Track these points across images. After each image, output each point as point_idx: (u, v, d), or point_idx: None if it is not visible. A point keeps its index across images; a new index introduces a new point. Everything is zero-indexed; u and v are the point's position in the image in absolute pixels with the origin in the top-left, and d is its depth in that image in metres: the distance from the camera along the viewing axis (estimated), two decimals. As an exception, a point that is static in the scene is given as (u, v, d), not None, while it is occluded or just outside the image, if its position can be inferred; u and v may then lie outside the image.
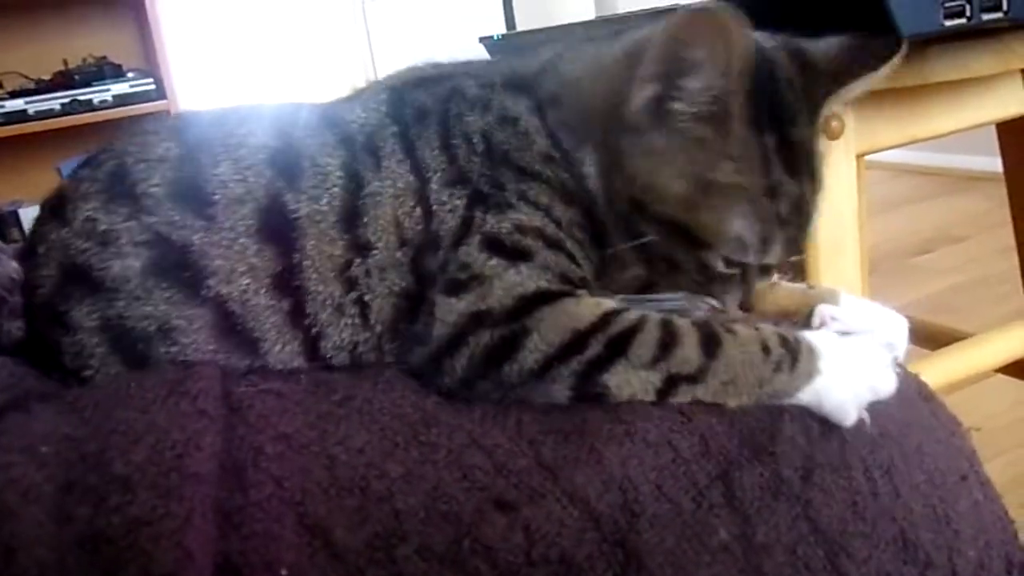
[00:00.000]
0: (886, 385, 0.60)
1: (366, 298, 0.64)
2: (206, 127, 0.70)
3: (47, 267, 0.64)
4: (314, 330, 0.64)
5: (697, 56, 0.59)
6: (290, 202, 0.65)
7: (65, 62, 3.21)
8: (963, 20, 0.72)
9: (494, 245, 0.62)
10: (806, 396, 0.59)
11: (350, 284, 0.64)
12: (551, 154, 0.67)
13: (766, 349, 0.59)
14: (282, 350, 0.63)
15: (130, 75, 3.20)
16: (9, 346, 0.76)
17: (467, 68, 0.75)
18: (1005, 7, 0.74)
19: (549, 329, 0.58)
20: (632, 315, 0.59)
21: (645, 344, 0.58)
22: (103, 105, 3.08)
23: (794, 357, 0.59)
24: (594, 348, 0.57)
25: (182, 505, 0.49)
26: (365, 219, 0.65)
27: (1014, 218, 1.11)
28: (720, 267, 0.64)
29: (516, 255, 0.62)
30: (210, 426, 0.53)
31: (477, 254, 0.61)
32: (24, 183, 3.01)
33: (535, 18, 4.66)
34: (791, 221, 0.63)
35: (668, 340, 0.58)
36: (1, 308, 0.78)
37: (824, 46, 0.67)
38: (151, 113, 3.04)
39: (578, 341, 0.58)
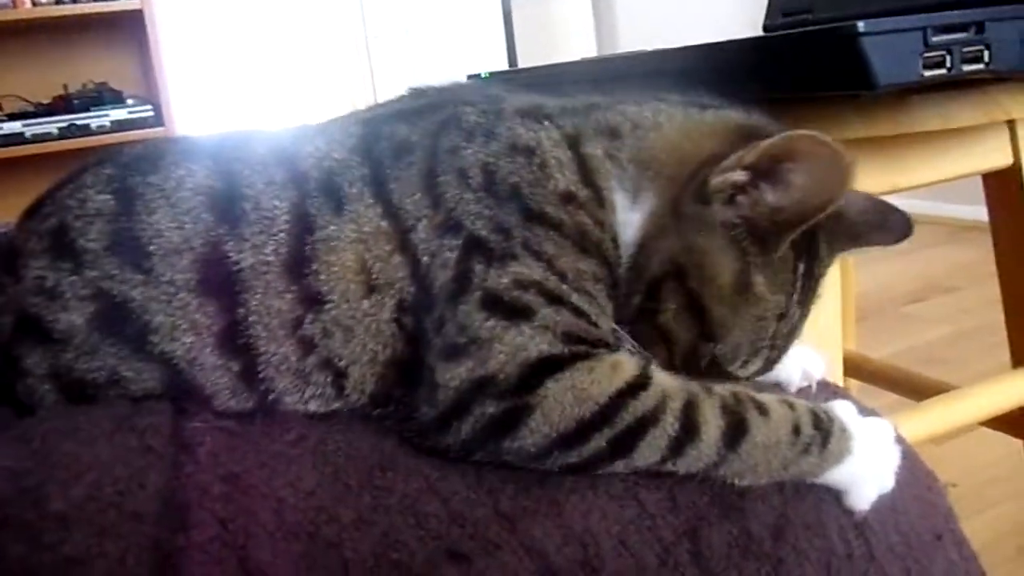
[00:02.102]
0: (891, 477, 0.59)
1: (338, 364, 0.58)
2: (144, 171, 0.63)
3: (4, 315, 0.62)
4: (271, 396, 0.59)
5: (794, 178, 0.57)
6: (231, 251, 0.59)
7: (65, 87, 3.23)
8: (943, 71, 0.71)
9: (493, 303, 0.56)
10: (834, 477, 0.57)
11: (306, 345, 0.58)
12: (573, 192, 0.60)
13: (796, 430, 0.55)
14: (238, 409, 0.59)
15: (129, 101, 3.22)
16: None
17: (464, 95, 0.67)
18: (986, 59, 0.73)
19: (553, 410, 0.52)
20: (651, 397, 0.54)
21: (655, 445, 0.53)
22: (101, 130, 3.10)
23: (825, 438, 0.56)
24: (596, 442, 0.53)
25: (118, 544, 0.47)
26: (315, 266, 0.58)
27: (999, 270, 1.10)
28: (703, 360, 0.61)
29: (515, 313, 0.55)
30: (155, 463, 0.52)
31: (476, 314, 0.55)
32: (18, 206, 2.97)
33: (537, 55, 4.71)
34: (779, 347, 0.63)
35: (684, 437, 0.53)
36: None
37: (852, 199, 0.65)
38: (149, 139, 3.05)
39: (581, 432, 0.53)
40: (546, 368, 0.54)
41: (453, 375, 0.54)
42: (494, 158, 0.60)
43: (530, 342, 0.54)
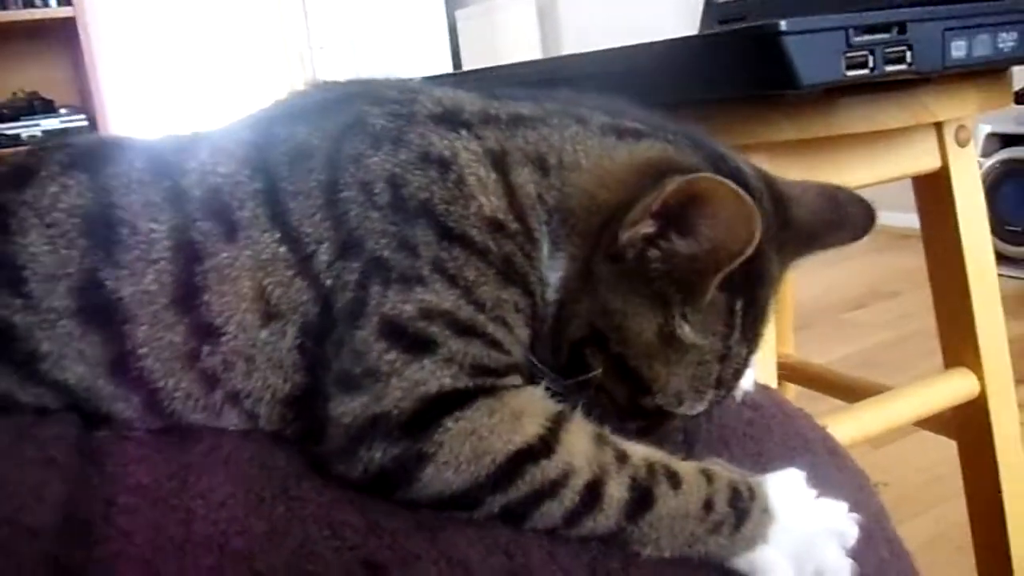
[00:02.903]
0: (836, 571, 0.53)
1: (245, 404, 0.54)
2: (16, 185, 0.57)
3: None
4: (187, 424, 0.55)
5: (700, 226, 0.52)
6: (108, 279, 0.53)
7: (-6, 96, 3.15)
8: (866, 71, 0.72)
9: (394, 333, 0.51)
10: (740, 564, 0.52)
11: (209, 379, 0.54)
12: (502, 222, 0.54)
13: (708, 506, 0.51)
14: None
15: (62, 111, 3.15)
16: None
17: (374, 90, 0.61)
18: (909, 59, 0.74)
19: (448, 463, 0.49)
20: (553, 467, 0.50)
21: (549, 514, 0.50)
22: (31, 140, 3.03)
23: (740, 519, 0.52)
24: (489, 507, 0.50)
25: (10, 562, 0.44)
26: (206, 296, 0.53)
27: (930, 272, 1.11)
28: (648, 408, 0.58)
29: (418, 346, 0.51)
30: (57, 475, 0.49)
31: (374, 343, 0.51)
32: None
33: (481, 57, 4.73)
34: (727, 384, 0.59)
35: (582, 510, 0.50)
36: None
37: (805, 199, 0.62)
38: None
39: (475, 494, 0.50)
40: (445, 404, 0.50)
41: (346, 410, 0.51)
42: (402, 169, 0.55)
43: (431, 376, 0.51)
